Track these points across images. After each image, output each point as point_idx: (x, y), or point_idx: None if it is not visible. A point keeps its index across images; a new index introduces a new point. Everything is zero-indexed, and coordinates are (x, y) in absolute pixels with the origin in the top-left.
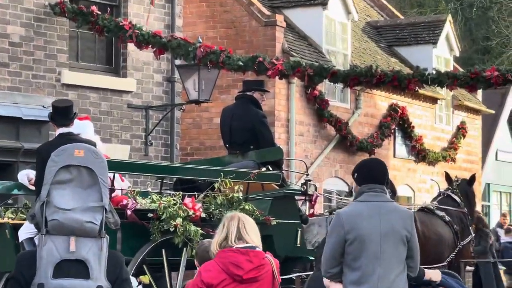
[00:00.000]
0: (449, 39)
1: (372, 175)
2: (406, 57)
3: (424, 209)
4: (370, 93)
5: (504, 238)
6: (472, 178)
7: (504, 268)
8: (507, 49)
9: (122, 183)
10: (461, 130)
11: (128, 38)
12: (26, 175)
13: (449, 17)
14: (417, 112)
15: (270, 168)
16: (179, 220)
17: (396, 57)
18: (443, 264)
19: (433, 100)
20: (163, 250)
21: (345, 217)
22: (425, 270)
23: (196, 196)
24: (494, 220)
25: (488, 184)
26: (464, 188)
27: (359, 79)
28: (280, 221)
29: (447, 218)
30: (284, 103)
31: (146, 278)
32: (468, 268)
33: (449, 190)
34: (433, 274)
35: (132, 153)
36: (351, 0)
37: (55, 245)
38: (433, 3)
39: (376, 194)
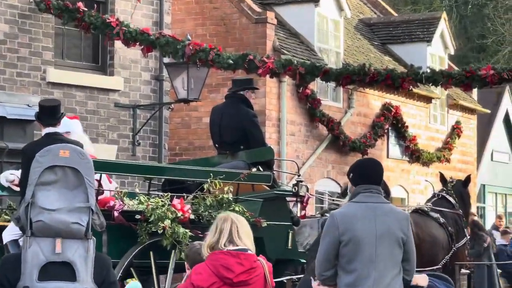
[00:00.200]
0: (443, 37)
1: (368, 176)
2: (400, 55)
3: (418, 211)
4: (363, 92)
5: (499, 241)
6: (467, 179)
7: (500, 271)
8: (503, 47)
9: (110, 184)
10: (456, 130)
11: (115, 35)
12: (4, 177)
13: (444, 15)
14: (411, 112)
15: (261, 169)
16: (167, 222)
17: (390, 55)
18: (438, 266)
19: (428, 100)
20: (151, 253)
21: (340, 218)
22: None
23: (185, 197)
24: (489, 221)
25: (484, 185)
26: (459, 189)
27: (352, 77)
28: (271, 223)
29: (442, 219)
30: (275, 102)
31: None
32: (463, 271)
33: (444, 191)
34: (420, 279)
35: (119, 153)
36: None
37: (40, 247)
38: (428, 0)
39: (372, 195)
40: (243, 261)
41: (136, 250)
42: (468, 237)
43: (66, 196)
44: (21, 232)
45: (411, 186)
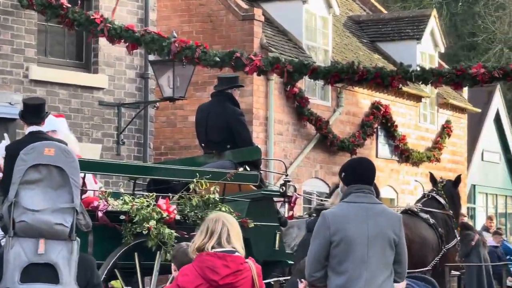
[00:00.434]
0: (433, 35)
1: (360, 175)
2: (389, 53)
3: (407, 211)
4: (352, 90)
5: (490, 242)
6: (458, 179)
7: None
8: (494, 45)
9: (95, 185)
10: (446, 129)
11: (99, 32)
12: None
13: (434, 12)
14: (401, 111)
15: (248, 168)
16: (152, 223)
17: (379, 53)
18: (427, 268)
19: (417, 98)
20: (136, 254)
21: (331, 218)
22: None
23: (171, 197)
24: (480, 222)
25: (474, 186)
26: (449, 189)
27: (341, 76)
28: (258, 223)
29: (432, 220)
30: (263, 101)
31: (117, 283)
32: (453, 272)
33: (434, 192)
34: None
35: (103, 152)
36: None
37: (23, 248)
38: None
39: (364, 195)
40: (230, 263)
41: (121, 251)
42: (459, 238)
43: (50, 196)
44: (3, 232)
45: (401, 186)
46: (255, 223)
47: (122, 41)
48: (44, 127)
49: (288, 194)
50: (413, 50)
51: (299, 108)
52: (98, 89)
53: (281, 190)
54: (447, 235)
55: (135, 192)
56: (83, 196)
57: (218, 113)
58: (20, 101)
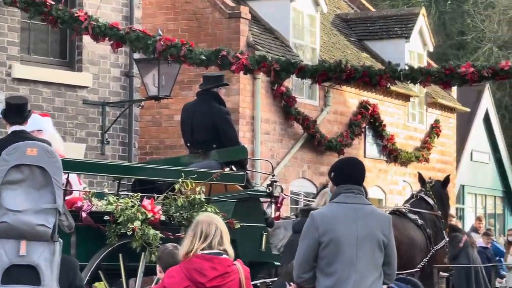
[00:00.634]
0: (422, 33)
1: (350, 175)
2: (377, 52)
3: (396, 212)
4: (340, 89)
5: (479, 243)
6: (446, 180)
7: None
8: (483, 44)
9: (80, 185)
10: (434, 129)
11: (83, 30)
12: None
13: (423, 10)
14: (389, 110)
15: (234, 168)
16: (137, 223)
17: (367, 52)
18: (415, 270)
19: (406, 98)
20: (120, 255)
21: (320, 218)
22: None
23: (156, 197)
24: (468, 223)
25: (463, 186)
26: (437, 190)
27: (328, 74)
28: (244, 224)
29: (420, 221)
30: (249, 100)
31: (101, 285)
32: (442, 274)
33: (422, 192)
34: None
35: (87, 152)
36: None
37: (4, 249)
38: None
39: (354, 195)
40: (217, 266)
41: (105, 253)
42: (447, 239)
43: (33, 196)
44: None
45: (389, 186)
46: (241, 224)
47: (107, 39)
48: (29, 127)
49: (275, 194)
50: (402, 48)
51: (286, 107)
52: (82, 87)
53: (267, 190)
54: (436, 236)
55: (120, 192)
56: (69, 197)
57: (204, 112)
58: (2, 100)
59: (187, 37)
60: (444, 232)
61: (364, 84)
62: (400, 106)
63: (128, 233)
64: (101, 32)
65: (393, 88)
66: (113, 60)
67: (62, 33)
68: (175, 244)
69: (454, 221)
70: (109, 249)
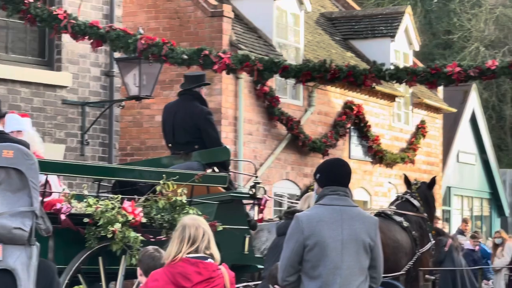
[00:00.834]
0: (408, 33)
1: (336, 177)
2: (362, 51)
3: (381, 214)
4: (324, 89)
5: (467, 245)
6: (432, 181)
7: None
8: (470, 43)
9: (59, 187)
10: (420, 130)
11: (62, 29)
12: None
13: (408, 9)
14: (374, 110)
15: (216, 170)
16: (117, 226)
17: (352, 51)
18: (401, 273)
19: (391, 98)
20: (100, 258)
21: (305, 221)
22: None
23: (136, 199)
24: (455, 225)
25: (449, 188)
26: (423, 191)
27: (312, 74)
28: (226, 226)
29: (406, 223)
30: (232, 100)
31: None
32: (428, 277)
33: (408, 194)
34: None
35: (67, 153)
36: None
37: None
38: None
39: (339, 197)
40: (202, 270)
41: (84, 256)
42: (433, 241)
43: (9, 200)
44: None
45: (374, 188)
46: (223, 226)
47: (86, 37)
48: (9, 127)
49: (258, 196)
50: (387, 48)
51: (269, 107)
52: (62, 87)
53: (250, 192)
54: (422, 239)
55: (100, 194)
56: (47, 198)
57: (185, 112)
58: None
59: (168, 36)
60: (430, 234)
61: (349, 84)
62: (386, 106)
63: (108, 235)
64: (80, 31)
65: (378, 88)
66: (93, 59)
67: (40, 32)
68: (156, 247)
69: (440, 224)
70: (89, 252)
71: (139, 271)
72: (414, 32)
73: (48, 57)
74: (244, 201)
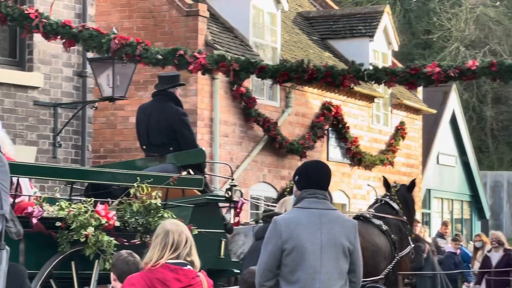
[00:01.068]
0: (387, 32)
1: (315, 180)
2: (340, 51)
3: (359, 217)
4: (302, 90)
5: (448, 248)
6: (412, 184)
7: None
8: (450, 43)
9: (31, 190)
10: (400, 131)
11: (34, 28)
12: None
13: (387, 8)
14: (353, 112)
15: (192, 172)
16: (90, 230)
17: (330, 51)
18: (380, 277)
19: (370, 99)
20: (73, 263)
21: (283, 225)
22: None
23: (110, 203)
24: (435, 229)
25: (429, 190)
26: (403, 194)
27: (290, 74)
28: (202, 230)
29: (385, 227)
30: (208, 101)
31: None
32: (407, 281)
33: (387, 197)
34: None
35: (38, 155)
36: None
37: None
38: None
39: (318, 200)
40: (181, 277)
41: (56, 260)
42: (413, 245)
43: None
44: None
45: (353, 191)
46: (199, 230)
47: (59, 37)
48: None
49: (234, 199)
50: (366, 48)
51: (246, 108)
52: (33, 88)
53: (226, 195)
54: (401, 242)
55: (72, 197)
56: (17, 201)
57: (160, 113)
58: None
59: (142, 35)
60: (409, 238)
61: (327, 85)
62: (364, 107)
63: (81, 239)
64: (52, 30)
65: (356, 88)
66: (65, 59)
67: (11, 31)
68: (130, 251)
69: (419, 227)
70: (61, 257)
71: (112, 276)
72: (393, 31)
73: (19, 57)
74: (220, 204)
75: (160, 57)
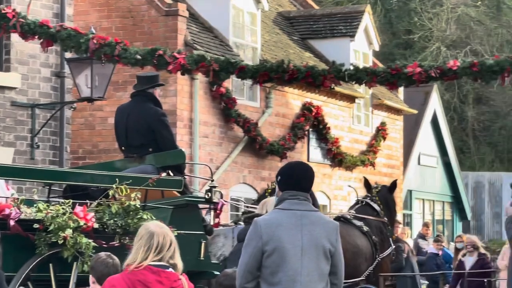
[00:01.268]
0: (368, 32)
1: (297, 181)
2: (321, 51)
3: (340, 219)
4: (282, 90)
5: (431, 249)
6: (393, 185)
7: (427, 282)
8: (431, 43)
9: (7, 191)
10: (381, 132)
11: (11, 28)
12: None
13: (368, 8)
14: (333, 112)
15: (171, 173)
16: (68, 232)
17: (310, 51)
18: (361, 278)
19: (351, 99)
20: (51, 265)
21: (264, 226)
22: None
23: (88, 204)
24: (416, 230)
25: (410, 191)
26: (384, 195)
27: (270, 75)
28: (181, 231)
29: (365, 228)
30: (187, 102)
31: None
32: (388, 283)
33: (368, 198)
34: None
35: (16, 156)
36: None
37: None
38: None
39: (299, 202)
40: (163, 280)
41: (34, 263)
42: (393, 246)
43: None
44: None
45: (333, 192)
46: (178, 232)
47: (36, 37)
48: None
49: (214, 200)
50: (346, 48)
51: (226, 109)
52: (10, 88)
53: (206, 196)
54: (382, 243)
55: (50, 199)
56: None
57: (139, 114)
58: None
59: (121, 35)
60: (390, 239)
61: (307, 85)
62: (345, 108)
63: (59, 242)
64: (30, 30)
65: (337, 89)
66: (43, 59)
67: None
68: (109, 253)
69: (401, 228)
70: (39, 259)
71: (91, 278)
72: (374, 31)
73: None
74: (200, 206)
75: (139, 57)
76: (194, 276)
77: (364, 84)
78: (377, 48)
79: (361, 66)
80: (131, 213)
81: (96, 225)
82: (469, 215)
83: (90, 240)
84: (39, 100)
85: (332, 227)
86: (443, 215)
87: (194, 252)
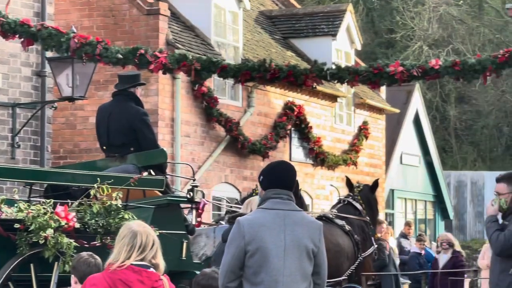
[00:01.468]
0: (350, 31)
1: (280, 180)
2: (303, 51)
3: (322, 218)
4: (264, 90)
5: (413, 248)
6: (375, 184)
7: (409, 282)
8: (413, 42)
9: None
10: (363, 131)
11: None
12: None
13: (350, 7)
14: (315, 111)
15: (153, 173)
16: (49, 231)
17: (292, 50)
18: (343, 278)
19: (333, 98)
20: (32, 265)
21: (246, 225)
22: None
23: (70, 204)
24: (398, 229)
25: (392, 190)
26: (366, 194)
27: (252, 74)
28: (163, 231)
29: (347, 227)
30: (169, 101)
31: None
32: (370, 282)
33: (350, 197)
34: None
35: None
36: None
37: None
38: None
39: (282, 201)
40: (145, 279)
41: (15, 263)
42: (376, 246)
43: None
44: None
45: (315, 191)
46: (160, 231)
47: (17, 36)
48: None
49: (195, 200)
50: (328, 47)
51: (207, 108)
52: None
53: (188, 195)
54: (364, 243)
55: (31, 198)
56: None
57: (120, 113)
58: None
59: (102, 34)
60: (372, 238)
61: (289, 84)
62: (327, 107)
63: (40, 241)
64: (10, 29)
65: (319, 88)
66: (23, 58)
67: None
68: (91, 253)
69: (385, 227)
70: (20, 259)
71: (73, 278)
72: (356, 30)
73: None
74: (182, 205)
75: (120, 56)
76: (175, 276)
77: (346, 83)
78: (359, 47)
79: (343, 65)
80: (112, 212)
81: (77, 225)
82: (451, 214)
83: (72, 240)
84: (20, 100)
85: (315, 227)
86: (425, 215)
87: (176, 252)
